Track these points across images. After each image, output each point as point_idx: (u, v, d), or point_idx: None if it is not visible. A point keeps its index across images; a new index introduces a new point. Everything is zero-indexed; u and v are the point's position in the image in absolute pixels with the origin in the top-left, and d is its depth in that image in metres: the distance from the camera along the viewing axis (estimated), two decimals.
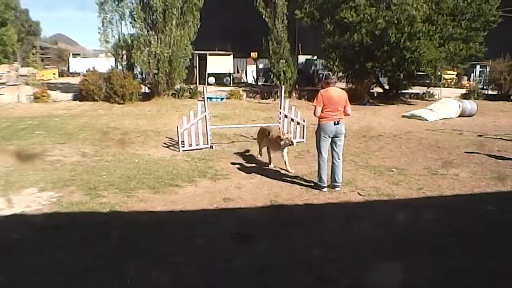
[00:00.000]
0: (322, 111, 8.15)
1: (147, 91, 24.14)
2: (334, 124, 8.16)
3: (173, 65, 23.05)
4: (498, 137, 14.47)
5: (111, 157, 10.64)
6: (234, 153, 11.43)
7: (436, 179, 9.27)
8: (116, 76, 21.96)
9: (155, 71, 22.91)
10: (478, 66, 34.52)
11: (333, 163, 8.38)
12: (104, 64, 24.72)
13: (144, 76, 24.36)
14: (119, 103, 21.42)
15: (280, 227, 6.62)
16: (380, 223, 6.80)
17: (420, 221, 6.84)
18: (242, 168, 9.90)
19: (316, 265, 5.36)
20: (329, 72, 9.67)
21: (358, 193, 8.25)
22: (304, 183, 8.80)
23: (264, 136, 10.38)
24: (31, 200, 7.44)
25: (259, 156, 10.85)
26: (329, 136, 8.23)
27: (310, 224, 6.80)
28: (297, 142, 11.25)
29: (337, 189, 8.35)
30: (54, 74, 37.18)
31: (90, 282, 4.87)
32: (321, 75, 27.76)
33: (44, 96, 22.35)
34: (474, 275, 5.14)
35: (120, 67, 24.48)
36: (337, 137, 8.27)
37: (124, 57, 24.35)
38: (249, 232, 6.25)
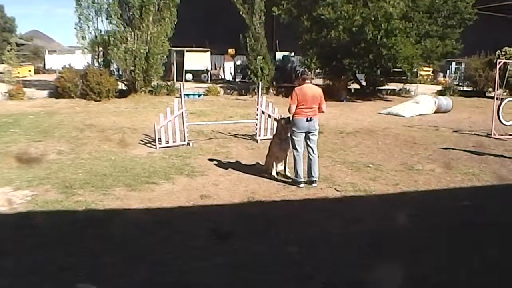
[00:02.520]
0: (296, 108, 8.22)
1: (124, 88, 23.88)
2: (307, 120, 8.23)
3: (150, 62, 22.82)
4: (473, 132, 14.63)
5: (87, 155, 10.53)
6: (211, 150, 11.40)
7: (412, 175, 9.36)
8: (92, 73, 21.69)
9: (132, 68, 22.65)
10: (453, 63, 34.86)
11: (309, 158, 8.44)
12: (81, 61, 24.40)
13: (120, 73, 24.08)
14: (95, 100, 21.16)
15: (258, 224, 6.61)
16: (357, 219, 6.84)
17: (396, 216, 6.89)
18: (220, 165, 9.87)
19: (293, 262, 5.37)
20: (305, 69, 9.64)
21: (335, 189, 8.29)
22: (282, 179, 8.82)
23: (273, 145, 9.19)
24: (5, 199, 7.33)
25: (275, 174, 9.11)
26: (301, 132, 8.31)
27: (288, 221, 6.81)
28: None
29: (314, 185, 8.38)
30: (29, 71, 36.55)
31: (65, 281, 4.81)
32: (298, 72, 27.76)
33: (19, 93, 21.96)
34: (451, 271, 5.19)
35: (96, 64, 24.20)
36: (311, 132, 8.35)
37: (101, 54, 24.06)
38: (226, 230, 6.23)
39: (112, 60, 23.10)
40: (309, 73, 9.33)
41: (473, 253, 5.67)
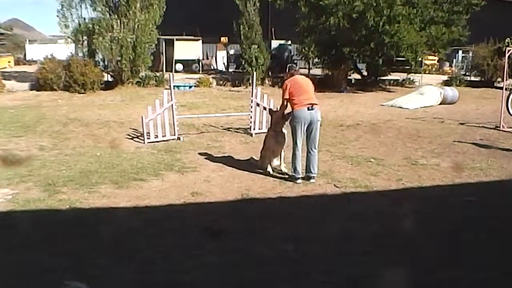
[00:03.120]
0: (293, 99, 8.24)
1: (109, 79, 23.85)
2: (308, 109, 8.19)
3: (138, 51, 22.79)
4: (480, 125, 14.71)
5: (71, 151, 10.56)
6: (203, 144, 11.43)
7: (416, 170, 9.42)
8: (76, 63, 21.64)
9: (118, 58, 22.62)
10: (460, 51, 34.80)
11: (308, 153, 8.43)
12: (63, 51, 24.35)
13: (106, 63, 24.06)
14: (79, 93, 21.14)
15: (252, 221, 6.66)
16: (357, 216, 6.89)
17: (398, 213, 6.95)
18: (212, 160, 9.91)
19: (290, 260, 5.42)
20: (292, 64, 9.60)
21: (334, 185, 8.33)
22: (277, 175, 8.86)
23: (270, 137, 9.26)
24: None
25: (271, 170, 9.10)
26: (303, 124, 8.25)
27: (284, 218, 6.85)
28: None
29: (312, 180, 8.41)
30: (9, 62, 36.55)
31: (50, 283, 4.85)
32: (295, 61, 27.79)
33: None
34: (453, 268, 5.25)
35: (80, 54, 24.16)
36: (313, 124, 8.30)
37: (85, 43, 24.01)
38: (219, 228, 6.28)
39: (97, 50, 23.08)
40: (297, 67, 9.37)
41: (476, 249, 5.74)
